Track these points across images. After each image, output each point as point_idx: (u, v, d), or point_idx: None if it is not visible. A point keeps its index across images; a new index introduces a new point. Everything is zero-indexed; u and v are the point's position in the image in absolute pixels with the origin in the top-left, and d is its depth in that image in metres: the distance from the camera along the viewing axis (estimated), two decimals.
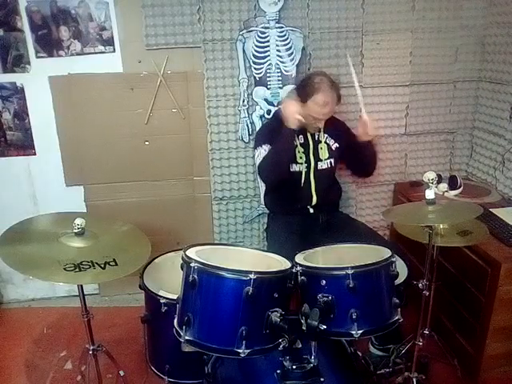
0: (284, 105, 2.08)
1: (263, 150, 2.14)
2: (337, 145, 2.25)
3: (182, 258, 1.45)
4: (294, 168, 2.19)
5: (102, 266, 1.49)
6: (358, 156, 2.26)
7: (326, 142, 2.23)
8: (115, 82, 2.40)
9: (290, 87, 2.40)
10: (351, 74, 2.14)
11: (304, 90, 2.06)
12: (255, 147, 2.23)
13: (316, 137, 2.22)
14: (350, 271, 1.42)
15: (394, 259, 1.53)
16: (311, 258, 1.63)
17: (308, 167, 2.20)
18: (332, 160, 2.25)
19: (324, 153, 2.23)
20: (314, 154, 2.21)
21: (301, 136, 2.19)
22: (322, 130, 2.21)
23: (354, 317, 1.41)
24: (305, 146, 2.20)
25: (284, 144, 2.06)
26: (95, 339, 1.70)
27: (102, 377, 1.75)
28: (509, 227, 2.04)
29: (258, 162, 2.18)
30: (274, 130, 2.13)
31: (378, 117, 2.64)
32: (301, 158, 2.19)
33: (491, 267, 1.87)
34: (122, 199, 2.60)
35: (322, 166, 2.23)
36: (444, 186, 1.98)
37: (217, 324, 1.37)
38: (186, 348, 1.41)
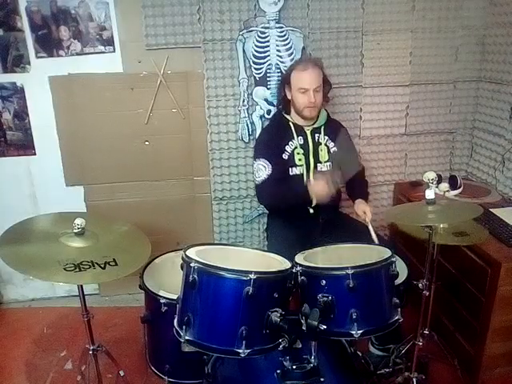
0: (313, 187, 2.02)
1: (261, 166, 2.13)
2: (335, 149, 2.23)
3: (182, 258, 1.45)
4: (294, 171, 2.18)
5: (102, 266, 1.49)
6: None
7: (326, 145, 2.22)
8: (115, 82, 2.40)
9: None
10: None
11: (285, 75, 2.16)
12: (254, 158, 2.23)
13: (316, 138, 2.20)
14: (350, 271, 1.42)
15: (394, 259, 1.53)
16: (311, 258, 1.63)
17: (307, 169, 2.19)
18: (331, 164, 2.23)
19: (324, 155, 2.21)
20: (314, 156, 2.19)
21: (300, 137, 2.18)
22: (322, 131, 2.21)
23: (353, 317, 1.41)
24: (304, 147, 2.18)
25: (292, 190, 2.11)
26: (95, 339, 1.70)
27: (102, 377, 1.75)
28: (509, 227, 2.04)
29: (256, 178, 2.17)
30: (272, 142, 2.16)
31: (378, 117, 2.64)
32: (300, 160, 2.17)
33: (491, 267, 1.87)
34: (122, 199, 2.60)
35: (322, 168, 2.21)
36: (444, 185, 1.97)
37: (217, 324, 1.37)
38: (186, 348, 1.41)
